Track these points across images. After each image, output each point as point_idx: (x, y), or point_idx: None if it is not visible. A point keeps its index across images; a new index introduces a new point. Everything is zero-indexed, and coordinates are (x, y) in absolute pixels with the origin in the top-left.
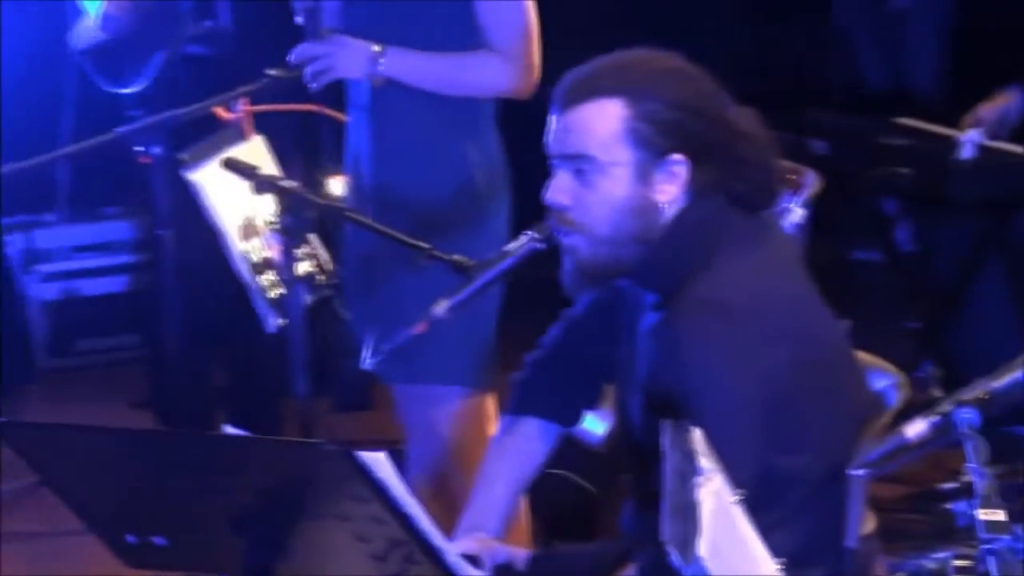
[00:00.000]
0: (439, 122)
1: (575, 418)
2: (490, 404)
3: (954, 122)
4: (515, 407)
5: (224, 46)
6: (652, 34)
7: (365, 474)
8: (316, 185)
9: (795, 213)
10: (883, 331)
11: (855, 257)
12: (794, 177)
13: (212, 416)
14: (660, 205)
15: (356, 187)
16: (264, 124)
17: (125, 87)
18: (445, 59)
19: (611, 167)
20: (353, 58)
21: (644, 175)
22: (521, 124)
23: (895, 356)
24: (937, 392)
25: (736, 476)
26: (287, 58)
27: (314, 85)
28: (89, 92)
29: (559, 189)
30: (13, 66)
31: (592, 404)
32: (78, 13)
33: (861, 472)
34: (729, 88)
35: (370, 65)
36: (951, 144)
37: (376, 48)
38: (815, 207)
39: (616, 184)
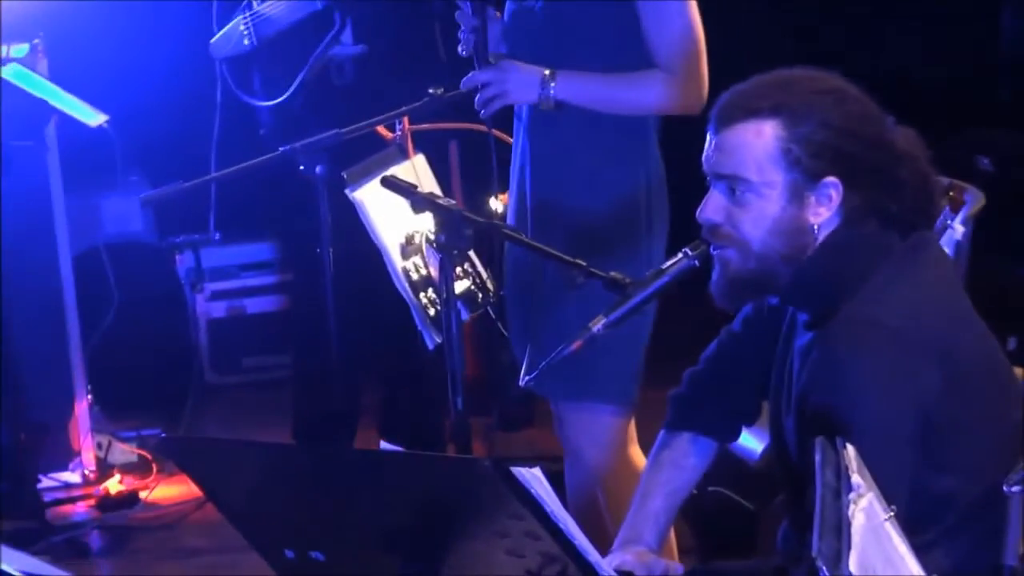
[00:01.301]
0: (602, 140)
1: (732, 434)
2: (632, 425)
3: None
4: (673, 422)
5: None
6: (807, 54)
7: (521, 490)
8: (477, 203)
9: (956, 231)
10: None
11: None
12: (955, 194)
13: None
14: (812, 226)
15: (518, 205)
16: (426, 143)
17: (261, 100)
18: (614, 79)
19: (764, 188)
20: (525, 83)
21: (797, 196)
22: (677, 140)
23: None
24: None
25: (891, 494)
26: (461, 82)
27: (484, 112)
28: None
29: (713, 207)
30: (164, 78)
31: (750, 420)
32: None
33: (1017, 488)
34: (891, 106)
35: (542, 89)
36: None
37: (547, 72)
38: (979, 224)
39: (769, 204)
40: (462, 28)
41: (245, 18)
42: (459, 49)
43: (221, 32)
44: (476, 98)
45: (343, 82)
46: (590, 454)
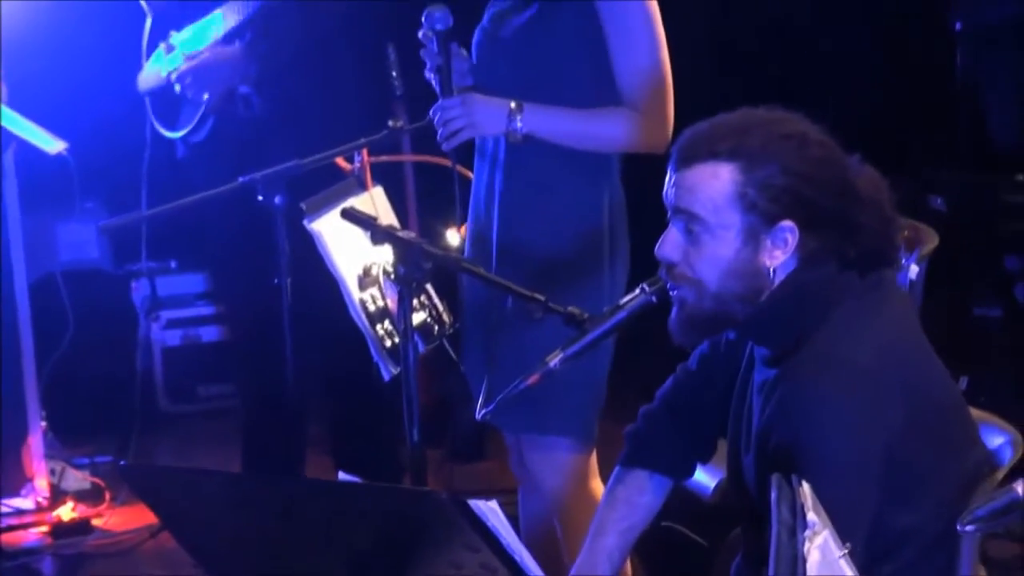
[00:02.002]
0: (570, 173)
1: (687, 471)
2: (593, 458)
3: None
4: (628, 458)
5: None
6: (773, 90)
7: (477, 522)
8: (434, 236)
9: (910, 270)
10: (1003, 388)
11: (976, 313)
12: (909, 234)
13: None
14: (768, 268)
15: (480, 237)
16: (384, 174)
17: (176, 132)
18: (581, 115)
19: (720, 229)
20: (491, 116)
21: (753, 239)
22: (640, 170)
23: (1015, 413)
24: None
25: (850, 532)
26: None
27: (448, 144)
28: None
29: (670, 244)
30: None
31: (705, 458)
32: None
33: (970, 527)
34: (845, 145)
35: (508, 122)
36: None
37: (513, 105)
38: (934, 263)
39: (724, 246)
40: (427, 66)
41: (166, 49)
42: (426, 75)
43: (145, 67)
44: (440, 131)
45: (249, 114)
46: (548, 487)
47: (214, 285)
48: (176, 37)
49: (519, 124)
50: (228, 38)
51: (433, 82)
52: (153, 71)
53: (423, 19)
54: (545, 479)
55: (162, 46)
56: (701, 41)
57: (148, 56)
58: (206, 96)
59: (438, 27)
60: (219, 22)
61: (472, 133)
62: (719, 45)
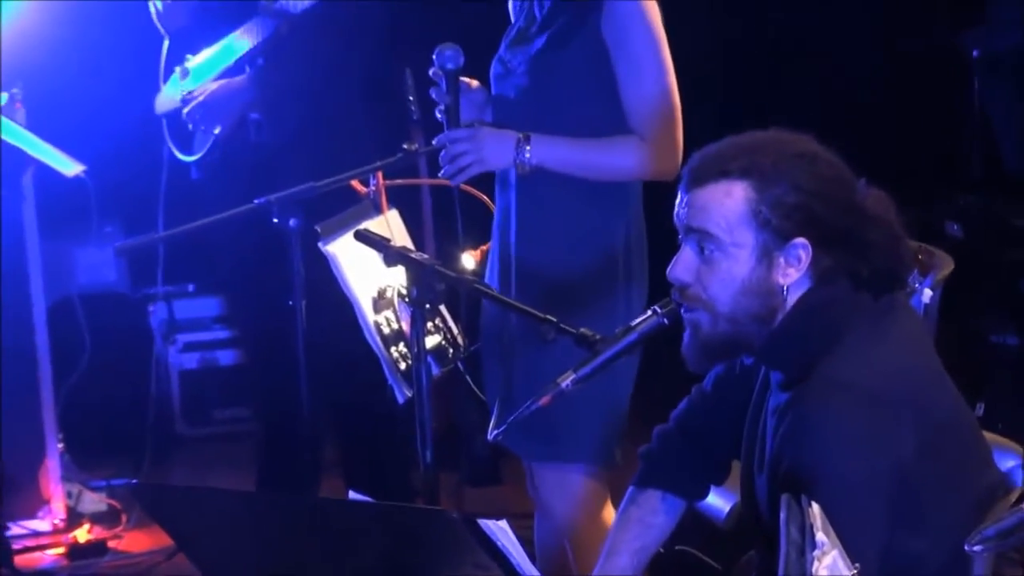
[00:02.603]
0: (583, 197)
1: (701, 493)
2: (606, 483)
3: None
4: (641, 479)
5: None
6: (784, 114)
7: (486, 541)
8: (449, 258)
9: (924, 294)
10: (1020, 415)
11: (991, 340)
12: (924, 258)
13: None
14: (781, 287)
15: (501, 261)
16: (400, 198)
17: (191, 156)
18: (589, 144)
19: (733, 248)
20: (500, 149)
21: (767, 257)
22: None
23: None
24: None
25: (860, 553)
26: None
27: (457, 179)
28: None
29: (683, 265)
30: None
31: (719, 480)
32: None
33: (978, 548)
34: (863, 170)
35: (517, 153)
36: None
37: (521, 136)
38: (948, 289)
39: (737, 264)
40: (439, 105)
41: (181, 73)
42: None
43: (163, 90)
44: (446, 166)
45: (260, 139)
46: (560, 511)
47: (230, 308)
48: (191, 61)
49: (527, 155)
50: (239, 64)
51: (443, 121)
52: (169, 95)
53: (434, 57)
54: (555, 505)
55: (178, 70)
56: (712, 68)
57: (165, 79)
58: (217, 130)
59: (448, 66)
60: (231, 48)
61: (481, 168)
62: (729, 72)
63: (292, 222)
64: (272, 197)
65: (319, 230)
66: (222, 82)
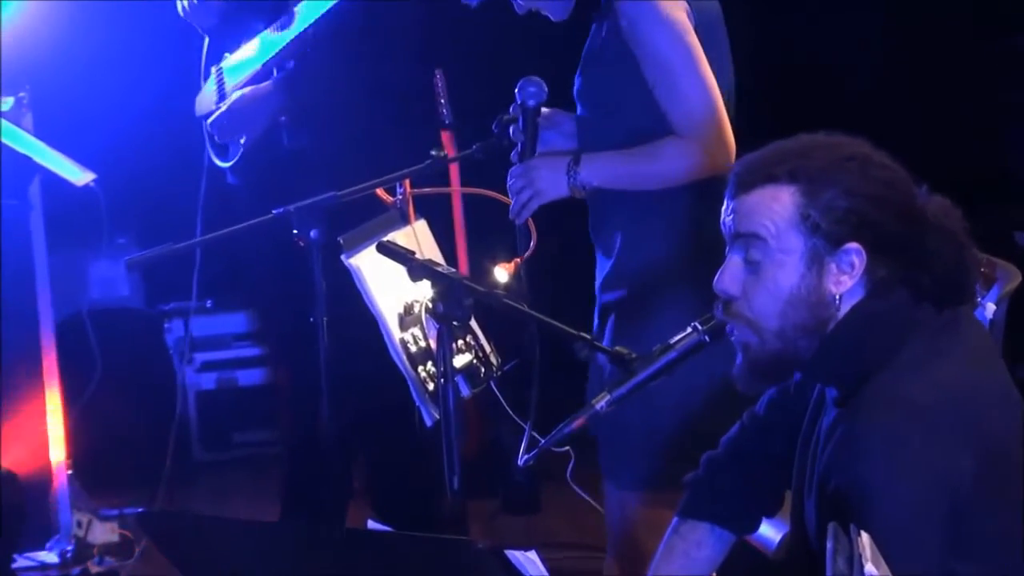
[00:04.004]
0: (648, 206)
1: (751, 526)
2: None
3: None
4: (686, 509)
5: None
6: (836, 119)
7: (514, 573)
8: (482, 272)
9: (987, 308)
10: None
11: None
12: (987, 271)
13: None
14: (833, 296)
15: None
16: (432, 208)
17: (227, 161)
18: (635, 154)
19: (782, 254)
20: (553, 178)
21: (817, 263)
22: None
23: None
24: None
25: None
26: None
27: (519, 219)
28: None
29: (730, 277)
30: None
31: (771, 511)
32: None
33: None
34: (929, 178)
35: (569, 178)
36: None
37: (571, 160)
38: (1017, 303)
39: (787, 272)
40: (516, 146)
41: (217, 74)
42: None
43: (203, 89)
44: (511, 207)
45: (291, 144)
46: (616, 532)
47: (254, 324)
48: (227, 60)
49: (579, 178)
50: (267, 68)
51: (514, 161)
52: (208, 95)
53: (516, 92)
54: (612, 524)
55: (214, 70)
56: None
57: (205, 78)
58: (243, 140)
59: (530, 103)
60: (264, 46)
61: (540, 200)
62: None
63: (313, 233)
64: (291, 207)
65: (341, 242)
66: (245, 90)
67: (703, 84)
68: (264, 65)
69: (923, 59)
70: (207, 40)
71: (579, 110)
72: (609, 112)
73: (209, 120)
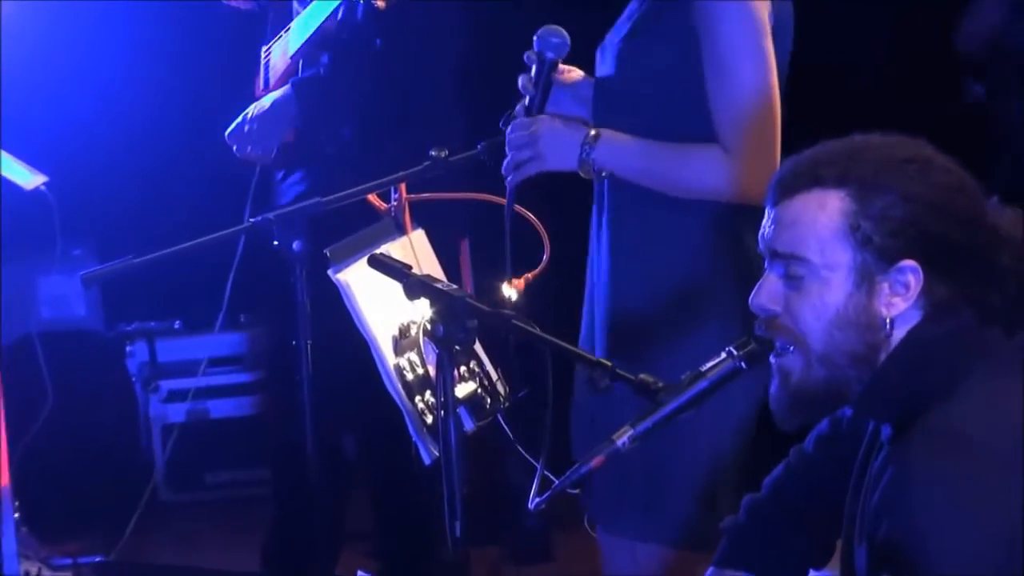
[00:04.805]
0: (684, 216)
1: None
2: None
3: None
4: (724, 558)
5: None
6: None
7: None
8: (488, 290)
9: None
10: None
11: None
12: None
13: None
14: (884, 320)
15: (592, 299)
16: (433, 217)
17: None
18: (666, 151)
19: (826, 270)
20: (562, 145)
21: (867, 282)
22: None
23: None
24: None
25: None
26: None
27: (512, 179)
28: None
29: (768, 293)
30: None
31: (820, 562)
32: None
33: None
34: (991, 185)
35: (580, 152)
36: None
37: (592, 133)
38: None
39: (832, 291)
40: (523, 99)
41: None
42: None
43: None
44: (504, 161)
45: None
46: None
47: (238, 348)
48: (275, 41)
49: (593, 156)
50: (294, 62)
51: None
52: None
53: (535, 39)
54: None
55: (263, 52)
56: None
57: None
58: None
59: (548, 55)
60: (312, 16)
61: (539, 166)
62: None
63: (296, 245)
64: (271, 214)
65: (328, 254)
66: (263, 102)
67: (765, 95)
68: (292, 58)
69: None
70: (270, 14)
71: (605, 68)
72: (647, 78)
73: (227, 133)
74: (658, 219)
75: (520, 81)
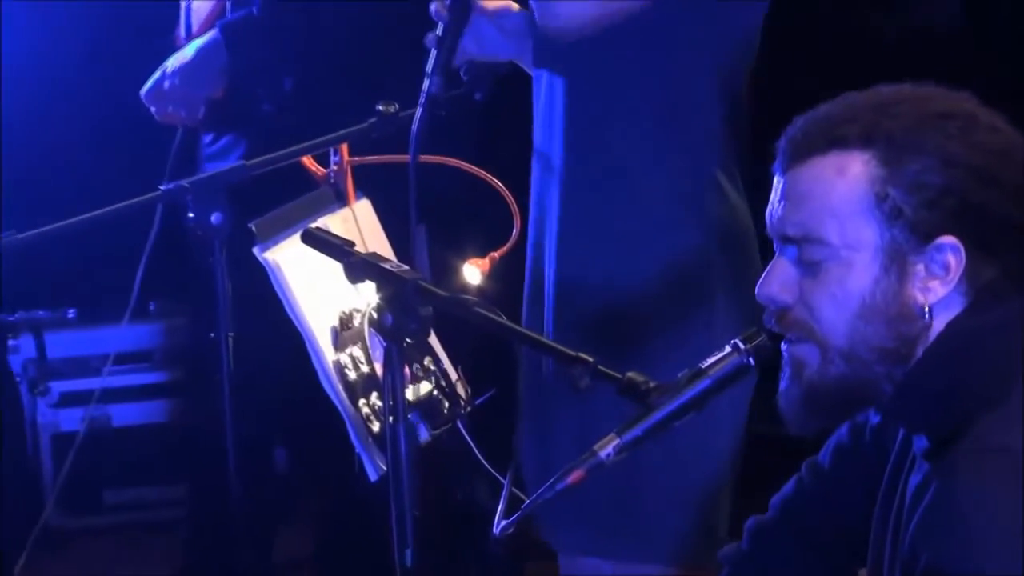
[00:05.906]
0: (654, 180)
1: None
2: None
3: None
4: None
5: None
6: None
7: None
8: (447, 270)
9: None
10: None
11: None
12: None
13: None
14: (921, 308)
15: (533, 273)
16: (378, 183)
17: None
18: None
19: (848, 251)
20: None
21: (898, 264)
22: None
23: None
24: None
25: None
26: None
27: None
28: None
29: (778, 280)
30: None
31: None
32: None
33: None
34: None
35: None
36: None
37: None
38: None
39: (855, 275)
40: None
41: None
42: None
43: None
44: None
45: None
46: None
47: (147, 341)
48: None
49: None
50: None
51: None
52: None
53: None
54: None
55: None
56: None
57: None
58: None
59: None
60: None
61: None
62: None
63: (214, 218)
64: (186, 181)
65: (254, 229)
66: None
67: None
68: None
69: None
70: None
71: None
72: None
73: (142, 91)
74: (625, 186)
75: (432, 7)
